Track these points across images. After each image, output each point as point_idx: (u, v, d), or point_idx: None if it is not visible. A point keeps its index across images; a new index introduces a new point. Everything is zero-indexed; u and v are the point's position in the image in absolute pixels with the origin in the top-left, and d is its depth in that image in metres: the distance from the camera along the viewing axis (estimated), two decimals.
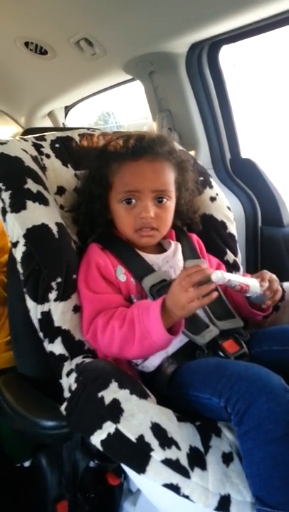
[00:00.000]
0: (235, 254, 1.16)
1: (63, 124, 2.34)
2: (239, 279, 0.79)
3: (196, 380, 0.69)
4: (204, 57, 1.48)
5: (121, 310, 0.79)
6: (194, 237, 1.05)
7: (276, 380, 0.61)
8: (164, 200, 0.88)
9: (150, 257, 0.90)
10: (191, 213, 1.02)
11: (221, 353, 0.82)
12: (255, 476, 0.58)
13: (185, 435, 0.62)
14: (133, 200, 0.86)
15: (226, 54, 1.54)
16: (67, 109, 2.33)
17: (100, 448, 0.60)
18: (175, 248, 0.96)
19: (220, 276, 0.73)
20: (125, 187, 0.86)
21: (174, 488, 0.57)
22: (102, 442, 0.60)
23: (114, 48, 1.47)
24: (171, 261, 0.92)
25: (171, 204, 0.90)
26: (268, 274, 0.85)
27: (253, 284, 0.80)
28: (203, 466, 0.59)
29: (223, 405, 0.61)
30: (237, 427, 0.60)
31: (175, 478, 0.57)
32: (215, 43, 1.44)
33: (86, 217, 0.94)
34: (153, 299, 0.83)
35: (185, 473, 0.57)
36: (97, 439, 0.60)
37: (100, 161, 0.91)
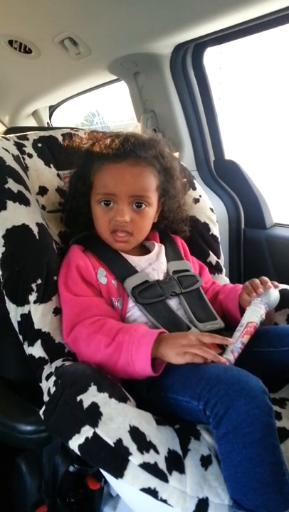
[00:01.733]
0: (218, 256, 1.16)
1: (48, 123, 2.32)
2: (243, 332, 0.78)
3: (176, 383, 0.69)
4: (189, 58, 1.49)
5: (110, 325, 0.76)
6: (178, 239, 1.04)
7: (254, 382, 0.61)
8: (143, 205, 0.86)
9: (133, 259, 0.90)
10: (177, 221, 1.01)
11: None
12: (233, 479, 0.58)
13: (164, 439, 0.62)
14: (111, 203, 0.85)
15: (212, 56, 1.55)
16: (51, 108, 2.31)
17: (78, 453, 0.60)
18: (159, 250, 0.96)
19: (232, 359, 0.73)
20: (103, 189, 0.85)
21: (152, 493, 0.56)
22: (80, 447, 0.59)
23: (98, 48, 1.46)
24: (155, 263, 0.92)
25: (149, 210, 0.88)
26: (256, 281, 0.86)
27: (258, 319, 0.80)
28: (181, 470, 0.59)
29: (202, 408, 0.61)
30: (215, 429, 0.60)
31: (153, 482, 0.56)
32: (199, 45, 1.45)
33: (70, 213, 0.94)
34: (135, 301, 0.83)
35: (163, 477, 0.57)
36: (75, 443, 0.59)
37: (85, 158, 0.90)
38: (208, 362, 0.67)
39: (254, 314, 0.81)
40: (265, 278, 0.87)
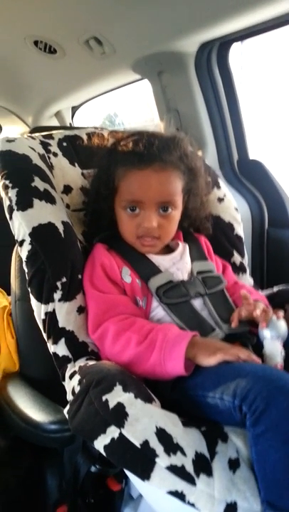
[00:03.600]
0: (242, 256, 1.14)
1: (70, 124, 2.33)
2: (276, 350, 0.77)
3: (206, 381, 0.67)
4: (214, 56, 1.47)
5: (141, 323, 0.76)
6: (202, 238, 1.03)
7: None
8: (170, 209, 0.85)
9: (156, 258, 0.89)
10: (200, 218, 1.00)
11: None
12: (269, 479, 0.56)
13: (191, 441, 0.60)
14: (137, 209, 0.84)
15: (233, 56, 1.53)
16: (74, 109, 2.33)
17: (104, 453, 0.59)
18: (183, 250, 0.95)
19: None
20: (130, 195, 0.84)
21: (179, 496, 0.55)
22: (106, 447, 0.58)
23: (123, 47, 1.46)
24: (178, 263, 0.91)
25: (176, 213, 0.88)
26: (260, 312, 0.81)
27: (280, 358, 0.77)
28: (209, 473, 0.58)
29: (238, 404, 0.59)
30: (253, 427, 0.57)
31: (180, 485, 0.55)
32: (225, 42, 1.42)
33: (92, 216, 0.93)
34: (160, 300, 0.82)
35: (190, 480, 0.56)
36: (100, 444, 0.59)
37: (107, 161, 0.89)
38: (240, 361, 0.67)
39: (275, 355, 0.77)
40: (267, 310, 0.82)
